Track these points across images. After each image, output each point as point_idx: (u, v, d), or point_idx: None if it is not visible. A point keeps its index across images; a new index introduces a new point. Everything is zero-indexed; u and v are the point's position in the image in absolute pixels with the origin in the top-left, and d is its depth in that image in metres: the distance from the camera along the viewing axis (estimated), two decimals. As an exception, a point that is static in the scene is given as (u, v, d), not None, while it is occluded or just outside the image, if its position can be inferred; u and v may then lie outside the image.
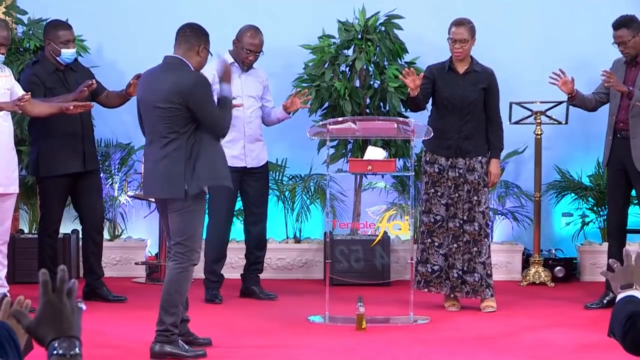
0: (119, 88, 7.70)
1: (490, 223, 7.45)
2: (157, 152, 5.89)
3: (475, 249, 7.30)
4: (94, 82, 7.29)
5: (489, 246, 7.40)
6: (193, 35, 5.98)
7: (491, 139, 7.37)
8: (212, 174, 5.89)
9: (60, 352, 2.13)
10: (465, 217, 7.29)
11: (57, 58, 7.35)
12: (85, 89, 7.19)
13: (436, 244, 7.34)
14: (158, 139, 5.88)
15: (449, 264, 7.33)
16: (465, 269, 7.31)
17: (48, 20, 7.71)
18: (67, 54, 7.37)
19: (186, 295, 6.01)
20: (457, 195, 7.30)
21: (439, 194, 7.32)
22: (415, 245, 7.38)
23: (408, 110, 8.29)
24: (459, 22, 7.31)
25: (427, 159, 7.38)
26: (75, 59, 7.53)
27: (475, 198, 7.29)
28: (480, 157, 7.33)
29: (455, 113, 7.30)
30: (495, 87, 7.38)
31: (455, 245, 7.30)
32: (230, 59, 7.63)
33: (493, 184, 7.49)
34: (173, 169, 5.82)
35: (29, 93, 6.89)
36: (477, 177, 7.30)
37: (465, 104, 7.29)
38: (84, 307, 2.20)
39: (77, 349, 2.14)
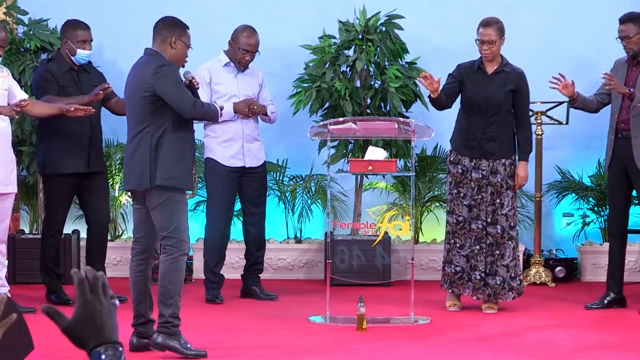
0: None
1: (515, 226, 7.27)
2: (129, 144, 5.98)
3: (497, 251, 7.22)
4: (110, 85, 7.28)
5: (514, 248, 7.26)
6: (165, 28, 6.00)
7: (520, 141, 7.25)
8: (171, 173, 5.86)
9: None
10: (488, 220, 7.21)
11: (72, 58, 7.34)
12: (101, 92, 7.18)
13: (458, 245, 7.28)
14: (132, 131, 5.95)
15: (471, 266, 7.26)
16: (487, 271, 7.25)
17: (67, 20, 7.68)
18: (83, 54, 7.35)
19: (182, 285, 5.96)
20: (480, 197, 7.21)
21: (462, 194, 7.24)
22: (414, 246, 7.38)
23: (409, 110, 8.32)
24: (486, 23, 7.21)
25: (452, 159, 7.31)
26: (89, 61, 7.51)
27: (498, 201, 7.20)
28: (504, 160, 7.22)
29: (481, 114, 7.20)
30: (525, 88, 7.27)
31: (477, 247, 7.23)
32: (225, 59, 7.64)
33: (520, 187, 7.37)
34: (139, 160, 5.86)
35: (27, 99, 6.86)
36: (500, 180, 7.21)
37: (490, 105, 7.18)
38: (117, 303, 2.12)
39: (122, 358, 2.07)
